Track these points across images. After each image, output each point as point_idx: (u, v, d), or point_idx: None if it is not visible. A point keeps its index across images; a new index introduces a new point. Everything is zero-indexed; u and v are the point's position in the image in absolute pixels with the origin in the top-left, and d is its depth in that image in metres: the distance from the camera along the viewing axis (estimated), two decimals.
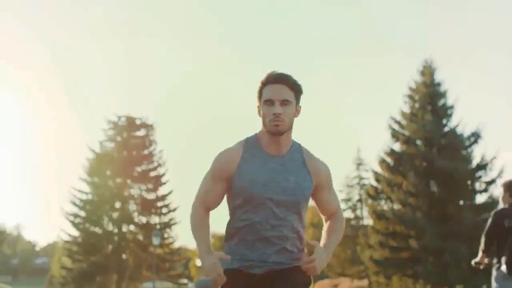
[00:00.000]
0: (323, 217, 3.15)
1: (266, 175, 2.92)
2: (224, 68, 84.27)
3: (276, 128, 2.90)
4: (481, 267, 6.01)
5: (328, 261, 3.00)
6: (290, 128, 2.96)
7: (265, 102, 2.93)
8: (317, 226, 55.12)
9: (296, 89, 2.96)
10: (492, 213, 6.02)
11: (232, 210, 3.00)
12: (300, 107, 3.03)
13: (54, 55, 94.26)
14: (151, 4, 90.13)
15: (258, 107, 3.00)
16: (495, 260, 5.88)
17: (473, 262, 6.09)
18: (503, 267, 5.75)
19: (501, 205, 6.11)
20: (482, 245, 5.91)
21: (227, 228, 3.04)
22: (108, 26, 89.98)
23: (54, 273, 65.85)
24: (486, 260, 5.97)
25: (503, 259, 5.77)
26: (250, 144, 3.01)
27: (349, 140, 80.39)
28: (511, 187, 5.88)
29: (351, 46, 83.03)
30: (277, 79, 2.94)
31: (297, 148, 3.03)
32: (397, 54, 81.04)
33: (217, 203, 3.04)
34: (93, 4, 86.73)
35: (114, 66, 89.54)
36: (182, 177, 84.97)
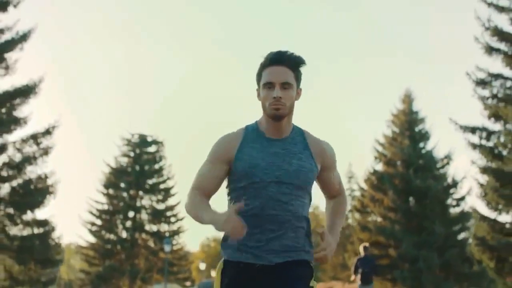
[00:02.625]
0: (325, 196, 3.21)
1: (267, 159, 2.91)
2: (224, 71, 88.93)
3: (276, 112, 2.88)
4: (354, 282, 12.66)
5: (336, 245, 2.97)
6: (290, 112, 2.94)
7: (265, 85, 2.90)
8: (313, 232, 60.76)
9: (297, 68, 2.95)
10: (356, 258, 12.58)
11: (232, 198, 2.99)
12: (301, 89, 3.01)
13: (54, 56, 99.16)
14: (152, 7, 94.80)
15: (257, 90, 2.98)
16: (358, 278, 12.41)
17: (351, 279, 12.88)
18: (359, 282, 13.10)
19: (362, 254, 13.61)
20: (352, 271, 12.49)
21: None
22: (108, 28, 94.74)
23: (63, 275, 71.47)
24: (356, 279, 12.50)
25: (359, 277, 13.08)
26: (251, 129, 3.01)
27: (349, 142, 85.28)
28: (365, 248, 12.60)
29: (351, 48, 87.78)
30: (277, 61, 2.91)
31: (298, 131, 3.02)
32: (397, 56, 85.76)
33: (213, 186, 2.98)
34: (92, 5, 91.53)
35: (114, 67, 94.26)
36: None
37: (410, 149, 33.48)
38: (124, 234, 40.57)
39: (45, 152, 20.85)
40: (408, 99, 35.09)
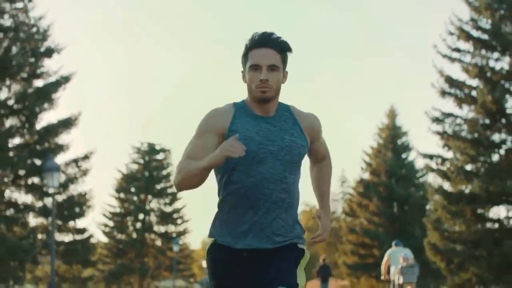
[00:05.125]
0: (310, 161, 3.30)
1: (260, 134, 2.98)
2: (223, 70, 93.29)
3: (263, 95, 2.96)
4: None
5: (330, 219, 3.22)
6: (277, 95, 3.02)
7: (251, 67, 2.97)
8: (312, 229, 66.14)
9: (284, 51, 3.03)
10: (318, 266, 18.89)
11: (222, 174, 3.02)
12: (287, 73, 3.08)
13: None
14: (152, 6, 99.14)
15: (242, 72, 3.06)
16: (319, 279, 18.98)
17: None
18: (320, 281, 19.47)
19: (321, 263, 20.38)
20: (316, 275, 18.95)
21: (218, 196, 3.07)
22: (108, 28, 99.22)
23: None
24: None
25: (321, 279, 19.42)
26: (239, 106, 3.07)
27: (349, 142, 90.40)
28: (323, 259, 19.33)
29: (351, 47, 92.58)
30: (264, 43, 2.99)
31: (285, 107, 3.10)
32: (397, 55, 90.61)
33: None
34: (93, 5, 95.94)
35: (114, 67, 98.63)
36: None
37: (393, 160, 39.53)
38: (134, 235, 46.09)
39: (84, 173, 27.07)
40: (392, 115, 41.13)
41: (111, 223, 46.36)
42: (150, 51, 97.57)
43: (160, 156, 48.20)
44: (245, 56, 3.02)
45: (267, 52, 2.97)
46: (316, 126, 3.15)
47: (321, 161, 3.31)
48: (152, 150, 48.01)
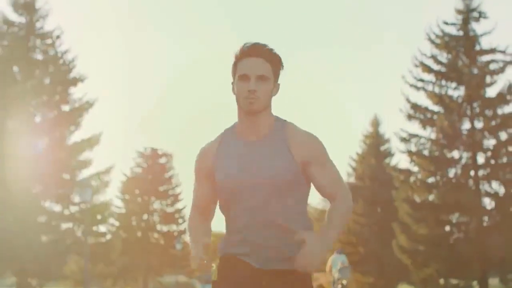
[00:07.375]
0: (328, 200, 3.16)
1: (239, 165, 3.04)
2: (224, 60, 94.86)
3: (251, 107, 2.98)
4: None
5: (328, 250, 2.95)
6: (267, 107, 3.04)
7: (240, 77, 3.00)
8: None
9: (275, 62, 3.04)
10: None
11: (221, 211, 3.22)
12: (279, 84, 3.08)
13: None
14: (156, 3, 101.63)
15: (232, 83, 3.08)
16: None
17: None
18: None
19: None
20: None
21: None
22: (111, 18, 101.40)
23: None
24: None
25: None
26: (228, 134, 3.14)
27: (343, 131, 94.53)
28: None
29: (345, 35, 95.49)
30: (253, 52, 3.01)
31: (280, 127, 3.09)
32: (390, 43, 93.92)
33: (206, 204, 3.23)
34: None
35: (117, 58, 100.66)
36: None
37: (376, 166, 45.57)
38: (138, 234, 51.03)
39: (106, 185, 33.11)
40: (376, 123, 47.20)
41: (116, 223, 51.73)
42: (151, 43, 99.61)
43: (162, 160, 53.68)
44: (235, 66, 3.06)
45: (257, 61, 3.01)
46: (309, 145, 3.08)
47: (329, 199, 3.18)
48: (155, 154, 53.62)
